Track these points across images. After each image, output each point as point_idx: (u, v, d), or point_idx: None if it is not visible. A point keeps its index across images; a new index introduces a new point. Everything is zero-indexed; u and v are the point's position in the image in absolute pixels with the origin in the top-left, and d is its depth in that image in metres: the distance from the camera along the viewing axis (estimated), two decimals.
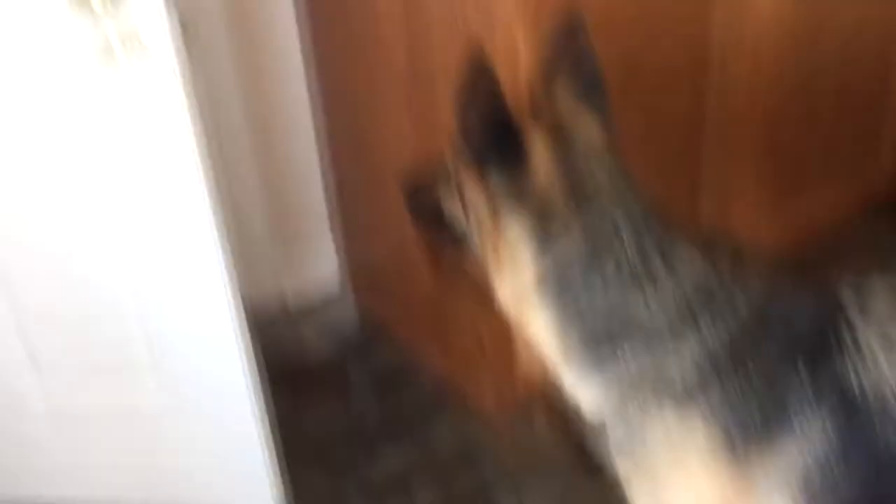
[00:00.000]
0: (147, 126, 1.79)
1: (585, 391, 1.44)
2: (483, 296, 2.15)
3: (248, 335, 2.04)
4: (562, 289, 1.37)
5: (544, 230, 1.35)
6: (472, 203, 1.43)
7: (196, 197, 1.85)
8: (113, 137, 1.81)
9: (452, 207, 1.47)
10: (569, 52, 1.45)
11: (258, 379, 2.08)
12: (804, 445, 1.34)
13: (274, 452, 2.16)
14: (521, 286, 1.40)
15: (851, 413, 1.31)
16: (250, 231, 2.66)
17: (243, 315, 2.02)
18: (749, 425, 1.34)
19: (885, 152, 2.69)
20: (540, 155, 1.36)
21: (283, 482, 2.20)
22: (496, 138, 1.33)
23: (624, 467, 1.45)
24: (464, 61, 1.30)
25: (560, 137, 1.39)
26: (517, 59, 1.88)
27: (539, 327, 1.42)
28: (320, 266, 2.84)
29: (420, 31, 2.07)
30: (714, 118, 2.27)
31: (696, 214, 2.38)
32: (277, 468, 2.18)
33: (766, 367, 1.34)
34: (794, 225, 2.59)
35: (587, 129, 1.42)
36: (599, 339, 1.38)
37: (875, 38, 2.46)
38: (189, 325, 2.02)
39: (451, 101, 1.35)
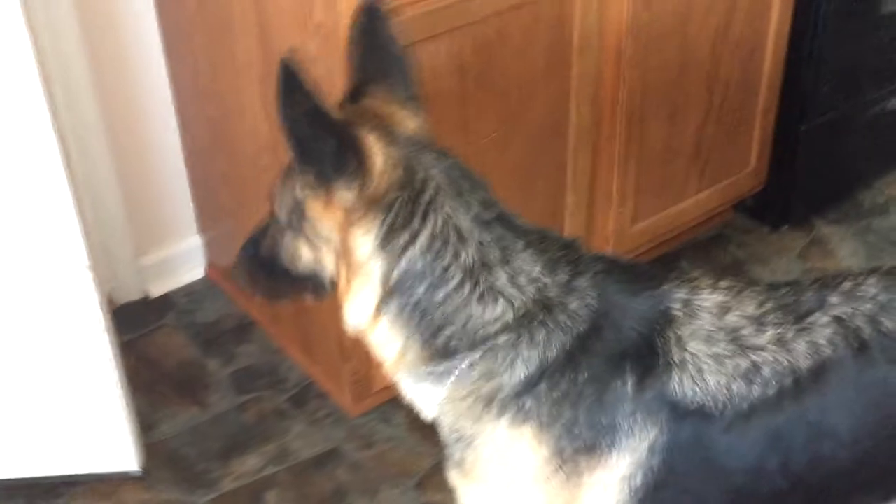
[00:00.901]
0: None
1: (424, 402, 1.42)
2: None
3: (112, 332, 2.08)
4: (403, 306, 1.33)
5: (393, 245, 1.31)
6: (321, 230, 1.37)
7: (56, 187, 1.87)
8: None
9: (292, 248, 1.42)
10: (371, 42, 1.39)
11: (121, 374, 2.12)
12: (632, 458, 1.33)
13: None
14: (370, 301, 1.35)
15: (678, 426, 1.31)
16: (110, 224, 2.57)
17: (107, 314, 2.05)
18: (578, 437, 1.33)
19: (755, 149, 2.69)
20: (378, 157, 1.30)
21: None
22: (333, 152, 1.27)
23: (455, 476, 1.44)
24: (275, 73, 1.23)
25: (389, 137, 1.33)
26: None
27: (382, 339, 1.38)
28: (184, 261, 2.75)
29: (271, 19, 1.99)
30: (578, 122, 2.24)
31: (561, 222, 2.35)
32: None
33: (596, 378, 1.32)
34: (663, 226, 2.59)
35: (408, 124, 1.38)
36: (439, 351, 1.35)
37: (743, 31, 2.44)
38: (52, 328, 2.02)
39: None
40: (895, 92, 2.82)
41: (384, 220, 1.30)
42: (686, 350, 1.32)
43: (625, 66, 2.23)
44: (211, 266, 2.78)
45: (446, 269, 1.30)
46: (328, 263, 1.40)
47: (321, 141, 1.27)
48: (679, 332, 1.32)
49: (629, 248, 2.54)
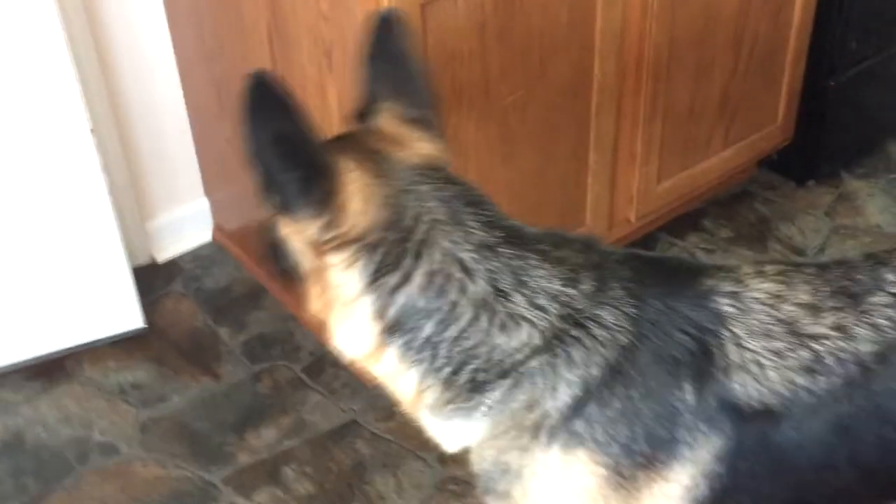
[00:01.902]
0: None
1: (454, 438, 1.33)
2: None
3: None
4: (411, 342, 1.23)
5: (382, 285, 1.21)
6: (293, 246, 1.26)
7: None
8: None
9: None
10: (387, 56, 1.29)
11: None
12: (695, 469, 1.25)
13: None
14: (366, 333, 1.24)
15: (744, 430, 1.24)
16: (115, 187, 2.48)
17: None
18: (638, 453, 1.25)
19: (783, 104, 2.59)
20: (355, 197, 1.20)
21: None
22: (298, 183, 1.17)
23: None
24: (245, 88, 1.13)
25: (381, 169, 1.23)
26: None
27: (391, 373, 1.28)
28: (190, 224, 2.67)
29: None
30: (601, 80, 2.14)
31: (584, 183, 2.26)
32: None
33: (651, 391, 1.24)
34: (688, 184, 2.50)
35: (415, 149, 1.27)
36: (466, 389, 1.26)
37: None
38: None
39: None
40: None
41: (369, 260, 1.20)
42: (745, 348, 1.23)
43: (651, 20, 2.12)
44: (218, 229, 2.70)
45: (454, 305, 1.21)
46: (300, 267, 1.28)
47: (287, 170, 1.17)
48: (734, 330, 1.24)
49: (653, 207, 2.45)
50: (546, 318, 1.22)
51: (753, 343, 1.23)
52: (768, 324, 1.24)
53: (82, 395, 2.32)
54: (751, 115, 2.52)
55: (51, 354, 2.39)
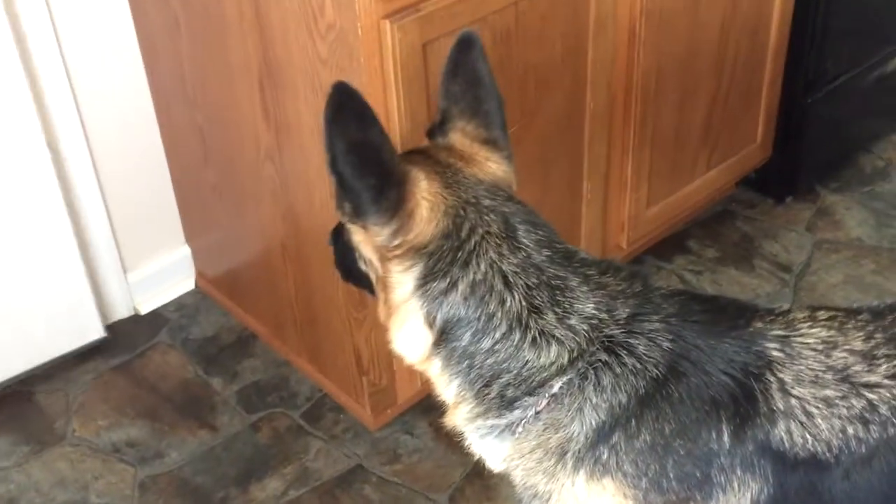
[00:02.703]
0: None
1: (492, 457, 1.34)
2: (360, 305, 2.02)
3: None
4: (452, 351, 1.26)
5: (430, 290, 1.24)
6: (362, 252, 1.33)
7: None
8: None
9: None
10: (464, 75, 1.32)
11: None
12: None
13: None
14: (420, 339, 1.28)
15: (786, 477, 1.22)
16: (95, 241, 2.43)
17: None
18: (668, 490, 1.24)
19: (761, 124, 2.62)
20: (423, 205, 1.24)
21: None
22: (372, 191, 1.21)
23: None
24: (328, 98, 1.17)
25: (448, 182, 1.27)
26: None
27: (436, 380, 1.32)
28: (172, 273, 2.61)
29: (272, 19, 1.86)
30: (593, 109, 2.14)
31: (578, 211, 2.26)
32: None
33: (684, 428, 1.23)
34: (675, 208, 2.52)
35: (483, 168, 1.31)
36: (496, 403, 1.27)
37: (750, 7, 2.37)
38: None
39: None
40: (894, 53, 2.77)
41: (424, 266, 1.24)
42: (791, 395, 1.22)
43: (639, 48, 2.14)
44: (200, 276, 2.64)
45: (491, 317, 1.24)
46: (372, 276, 1.35)
47: (362, 177, 1.21)
48: (781, 375, 1.22)
49: (643, 233, 2.46)
50: (575, 339, 1.23)
51: (801, 390, 1.22)
52: (818, 370, 1.22)
53: (75, 456, 2.24)
54: (732, 136, 2.55)
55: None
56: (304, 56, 1.81)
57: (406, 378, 2.17)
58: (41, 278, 2.36)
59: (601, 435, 1.23)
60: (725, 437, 1.21)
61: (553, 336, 1.23)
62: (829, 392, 1.22)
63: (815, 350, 1.24)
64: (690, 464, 1.22)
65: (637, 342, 1.23)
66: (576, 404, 1.23)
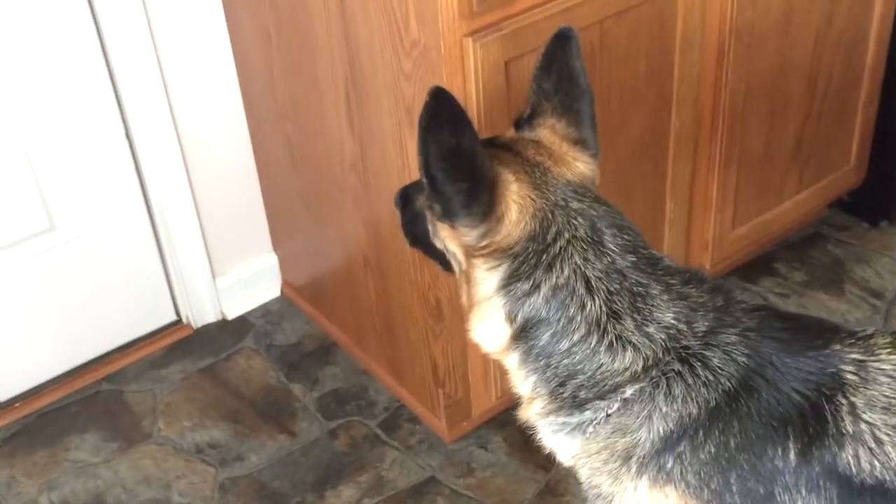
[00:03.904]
0: None
1: (562, 453, 1.37)
2: (438, 317, 2.03)
3: None
4: (531, 348, 1.29)
5: (513, 290, 1.27)
6: (447, 245, 1.35)
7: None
8: None
9: (429, 226, 1.39)
10: (558, 71, 1.34)
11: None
12: None
13: None
14: (500, 333, 1.31)
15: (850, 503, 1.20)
16: (185, 247, 2.50)
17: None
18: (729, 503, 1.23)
19: (855, 145, 2.56)
20: (512, 208, 1.27)
21: None
22: (463, 194, 1.24)
23: None
24: (424, 104, 1.20)
25: (537, 183, 1.29)
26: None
27: (513, 372, 1.35)
28: (259, 280, 2.67)
29: (359, 35, 1.89)
30: (678, 128, 2.12)
31: (661, 230, 2.24)
32: None
33: (751, 442, 1.22)
34: (762, 230, 2.47)
35: (571, 168, 1.32)
36: (567, 403, 1.30)
37: (846, 25, 2.31)
38: None
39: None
40: None
41: (509, 266, 1.27)
42: (861, 419, 1.19)
43: (727, 68, 2.11)
44: (286, 284, 2.70)
45: (571, 320, 1.25)
46: (455, 267, 1.37)
47: (454, 182, 1.23)
48: (853, 399, 1.20)
49: (728, 253, 2.42)
50: (651, 347, 1.24)
51: (872, 415, 1.19)
52: (892, 398, 1.20)
53: (160, 455, 2.31)
54: (824, 157, 2.49)
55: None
56: (388, 71, 1.84)
57: (481, 392, 2.18)
58: (132, 281, 2.46)
59: (668, 443, 1.24)
60: (791, 456, 1.20)
61: (630, 342, 1.25)
62: None
63: (890, 377, 1.21)
64: (754, 479, 1.21)
65: (712, 354, 1.23)
66: (645, 411, 1.24)
